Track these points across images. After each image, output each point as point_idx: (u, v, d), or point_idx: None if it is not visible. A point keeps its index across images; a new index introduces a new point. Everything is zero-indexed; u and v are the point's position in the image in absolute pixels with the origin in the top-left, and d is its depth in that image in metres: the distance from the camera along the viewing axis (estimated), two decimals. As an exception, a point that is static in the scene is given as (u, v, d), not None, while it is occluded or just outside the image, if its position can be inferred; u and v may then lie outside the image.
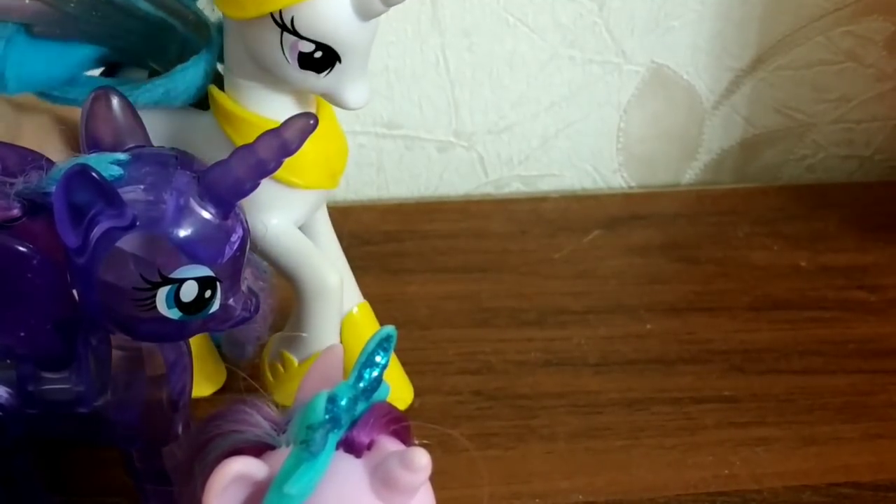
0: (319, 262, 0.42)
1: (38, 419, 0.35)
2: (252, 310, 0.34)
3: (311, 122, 0.33)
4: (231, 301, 0.33)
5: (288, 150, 0.32)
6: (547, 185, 0.67)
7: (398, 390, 0.47)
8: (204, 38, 0.40)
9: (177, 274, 0.31)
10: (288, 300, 0.43)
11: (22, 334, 0.33)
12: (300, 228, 0.42)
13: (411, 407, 0.48)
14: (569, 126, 0.66)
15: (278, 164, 0.32)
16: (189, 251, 0.31)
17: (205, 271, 0.32)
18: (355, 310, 0.46)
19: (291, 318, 0.44)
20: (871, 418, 0.48)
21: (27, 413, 0.35)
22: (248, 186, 0.32)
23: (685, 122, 0.67)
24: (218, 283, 0.32)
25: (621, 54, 0.64)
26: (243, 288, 0.34)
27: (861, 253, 0.59)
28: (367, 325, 0.46)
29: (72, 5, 0.39)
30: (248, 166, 0.32)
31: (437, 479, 0.46)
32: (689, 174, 0.69)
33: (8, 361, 0.34)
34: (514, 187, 0.67)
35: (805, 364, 0.51)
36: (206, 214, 0.32)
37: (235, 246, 0.32)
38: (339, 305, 0.43)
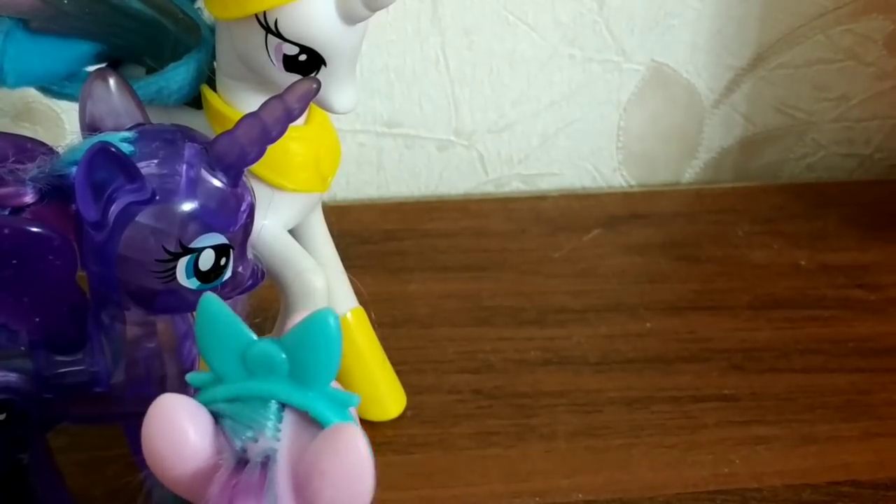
0: (305, 265, 0.41)
1: (55, 403, 0.35)
2: (259, 276, 0.35)
3: (315, 86, 0.33)
4: (240, 268, 0.34)
5: (291, 115, 0.33)
6: (547, 184, 0.67)
7: (391, 397, 0.47)
8: (196, 37, 0.40)
9: (196, 243, 0.32)
10: (271, 300, 0.43)
11: (37, 320, 0.33)
12: (294, 230, 0.42)
13: (411, 406, 0.48)
14: (569, 125, 0.66)
15: (283, 130, 0.33)
16: (206, 220, 0.32)
17: (221, 239, 0.33)
18: (349, 315, 0.45)
19: (278, 321, 0.44)
20: (870, 417, 0.48)
21: (44, 398, 0.35)
22: (254, 153, 0.33)
23: (685, 121, 0.67)
24: (231, 250, 0.33)
25: (621, 53, 0.64)
26: (249, 256, 0.34)
27: (861, 252, 0.59)
28: (360, 331, 0.46)
29: (65, 2, 0.39)
30: (254, 133, 0.32)
31: (437, 478, 0.46)
32: (689, 173, 0.69)
33: (22, 349, 0.35)
34: (514, 186, 0.67)
35: (805, 363, 0.51)
36: (217, 183, 0.32)
37: (245, 213, 0.33)
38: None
